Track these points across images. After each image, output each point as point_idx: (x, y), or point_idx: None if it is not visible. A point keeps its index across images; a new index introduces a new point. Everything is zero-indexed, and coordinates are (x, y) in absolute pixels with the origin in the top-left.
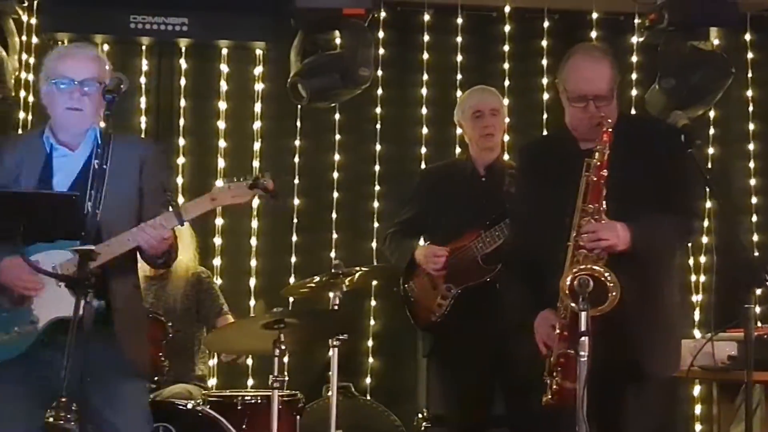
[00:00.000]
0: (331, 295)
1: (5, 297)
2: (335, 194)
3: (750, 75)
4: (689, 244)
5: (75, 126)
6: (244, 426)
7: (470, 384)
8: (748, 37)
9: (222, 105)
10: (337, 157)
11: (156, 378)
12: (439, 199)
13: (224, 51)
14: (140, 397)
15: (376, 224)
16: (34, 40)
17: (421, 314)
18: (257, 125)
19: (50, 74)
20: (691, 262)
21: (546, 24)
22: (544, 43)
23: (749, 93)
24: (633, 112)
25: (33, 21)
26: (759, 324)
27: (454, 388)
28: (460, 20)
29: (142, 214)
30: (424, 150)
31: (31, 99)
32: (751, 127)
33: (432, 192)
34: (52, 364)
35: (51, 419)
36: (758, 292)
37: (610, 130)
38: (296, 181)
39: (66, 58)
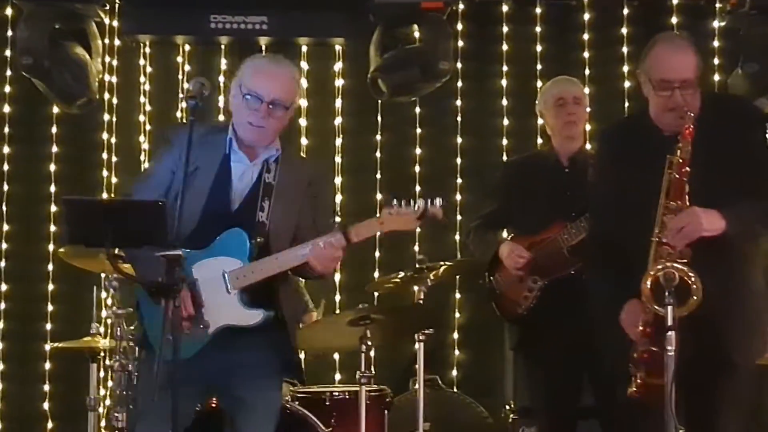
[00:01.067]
0: (415, 289)
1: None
2: (417, 188)
3: None
4: None
5: (252, 141)
6: (332, 422)
7: (558, 376)
8: None
9: (303, 102)
10: (418, 150)
11: None
12: (522, 192)
13: (304, 48)
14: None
15: (459, 217)
16: (117, 42)
17: (507, 307)
18: (338, 121)
19: (243, 84)
20: None
21: (626, 11)
22: (624, 30)
23: None
24: None
25: (115, 23)
26: None
27: (542, 381)
28: (538, 10)
29: (299, 232)
30: (505, 141)
31: (114, 101)
32: None
33: (515, 185)
34: (221, 363)
35: None
36: None
37: (692, 127)
38: (378, 176)
39: (261, 74)
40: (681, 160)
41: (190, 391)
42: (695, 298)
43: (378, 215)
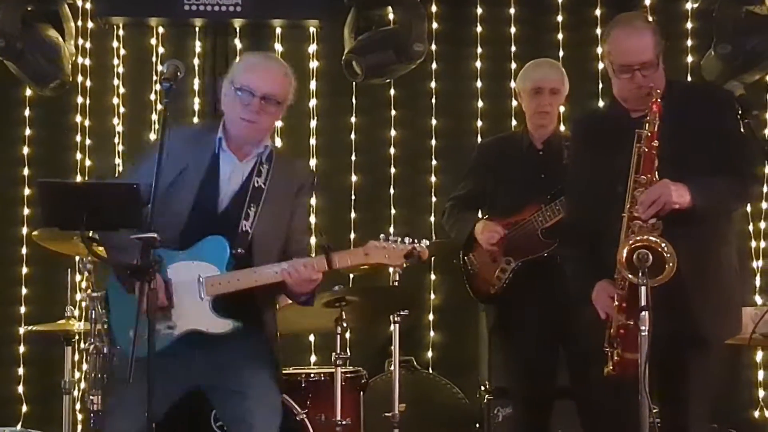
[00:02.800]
0: (390, 270)
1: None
2: (392, 170)
3: None
4: (748, 209)
5: (245, 137)
6: (308, 403)
7: (533, 357)
8: None
9: None
10: (393, 132)
11: None
12: (496, 173)
13: (278, 30)
14: (273, 384)
15: (434, 199)
16: (90, 24)
17: (480, 287)
18: (313, 103)
19: (235, 79)
20: (750, 228)
21: None
22: (598, 12)
23: None
24: (689, 79)
25: (87, 5)
26: None
27: (518, 361)
28: None
29: (287, 242)
30: (480, 123)
31: (88, 83)
32: None
33: (489, 166)
34: (187, 359)
35: None
36: None
37: (659, 99)
38: (353, 157)
39: (254, 69)
40: (649, 134)
41: (168, 390)
42: (670, 265)
43: (364, 246)
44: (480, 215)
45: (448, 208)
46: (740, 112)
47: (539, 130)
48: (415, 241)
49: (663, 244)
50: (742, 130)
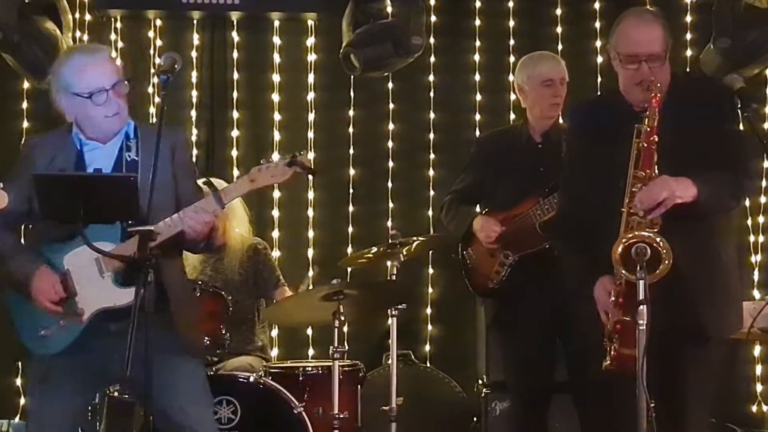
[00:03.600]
0: (389, 264)
1: None
2: (390, 163)
3: None
4: (747, 204)
5: (114, 129)
6: (306, 397)
7: (532, 351)
8: None
9: (275, 77)
10: (391, 126)
11: (218, 351)
12: (495, 167)
13: (276, 23)
14: (198, 374)
15: (431, 192)
16: (87, 17)
17: (478, 281)
18: (311, 96)
19: (76, 89)
20: (749, 222)
21: None
22: (597, 5)
23: None
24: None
25: None
26: None
27: (516, 356)
28: None
29: (179, 199)
30: (478, 117)
31: None
32: None
33: (488, 160)
34: (100, 350)
35: (116, 393)
36: None
37: (659, 95)
38: (351, 151)
39: (88, 68)
40: (648, 129)
41: (79, 386)
42: (666, 262)
43: (248, 174)
44: (479, 209)
45: (447, 201)
46: (739, 105)
47: (544, 123)
48: (297, 152)
49: (659, 240)
50: (741, 125)
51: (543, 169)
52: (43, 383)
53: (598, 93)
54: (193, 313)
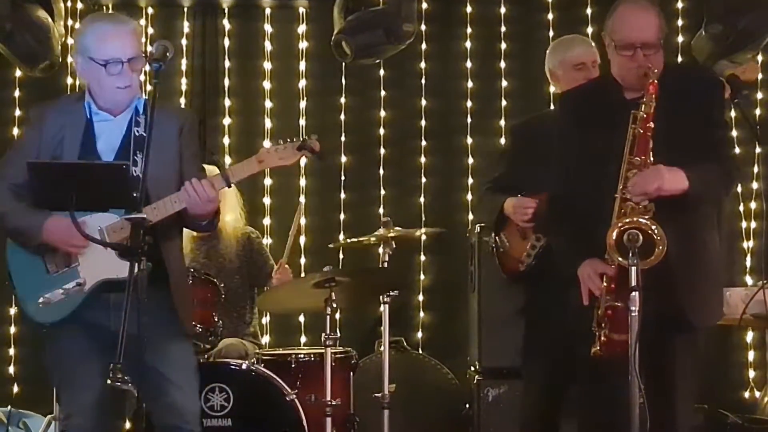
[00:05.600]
0: (380, 251)
1: (52, 259)
2: (382, 150)
3: None
4: (738, 189)
5: (125, 101)
6: (298, 384)
7: (557, 342)
8: None
9: (266, 65)
10: (383, 113)
11: (210, 338)
12: (528, 155)
13: (267, 10)
14: (190, 356)
15: (423, 179)
16: (79, 5)
17: (510, 264)
18: (302, 84)
19: (94, 54)
20: (741, 208)
21: None
22: None
23: None
24: (679, 59)
25: None
26: None
27: (545, 342)
28: None
29: (183, 179)
30: (469, 104)
31: None
32: None
33: (521, 148)
34: (98, 324)
35: (108, 381)
36: None
37: (656, 81)
38: (343, 138)
39: (109, 37)
40: (645, 115)
41: (78, 348)
42: (660, 248)
43: (256, 155)
44: None
45: (482, 191)
46: (730, 92)
47: None
48: (306, 136)
49: (653, 227)
50: (732, 113)
51: None
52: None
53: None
54: (188, 294)
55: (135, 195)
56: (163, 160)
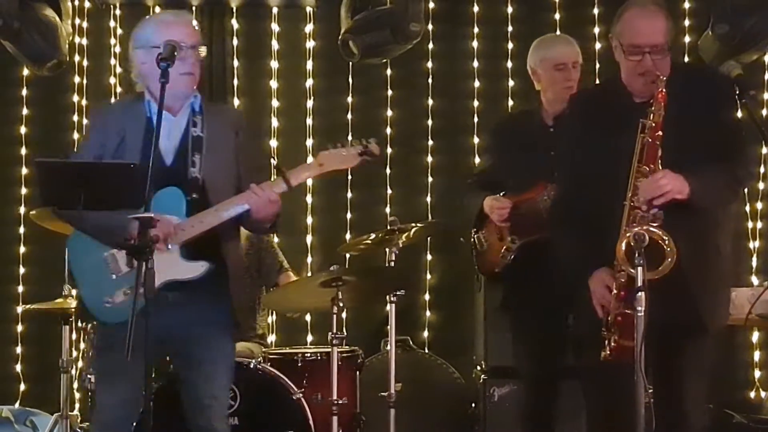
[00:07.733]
0: (387, 251)
1: (115, 261)
2: (389, 150)
3: None
4: (745, 190)
5: (186, 89)
6: (304, 383)
7: (539, 336)
8: None
9: (274, 64)
10: (389, 112)
11: None
12: (509, 152)
13: (274, 10)
14: (232, 358)
15: (430, 179)
16: (87, 4)
17: (487, 264)
18: (309, 83)
19: (157, 41)
20: (747, 208)
21: None
22: None
23: None
24: (686, 59)
25: None
26: None
27: (525, 341)
28: None
29: (241, 181)
30: (476, 103)
31: (85, 63)
32: None
33: (503, 144)
34: (158, 320)
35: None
36: None
37: (664, 90)
38: (350, 137)
39: (171, 24)
40: (654, 124)
41: (140, 354)
42: (669, 260)
43: (317, 157)
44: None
45: (466, 186)
46: (737, 92)
47: (557, 106)
48: (364, 140)
49: (664, 237)
50: (739, 113)
51: (554, 153)
52: (110, 351)
53: (597, 80)
54: (245, 296)
55: (195, 197)
56: (220, 160)
